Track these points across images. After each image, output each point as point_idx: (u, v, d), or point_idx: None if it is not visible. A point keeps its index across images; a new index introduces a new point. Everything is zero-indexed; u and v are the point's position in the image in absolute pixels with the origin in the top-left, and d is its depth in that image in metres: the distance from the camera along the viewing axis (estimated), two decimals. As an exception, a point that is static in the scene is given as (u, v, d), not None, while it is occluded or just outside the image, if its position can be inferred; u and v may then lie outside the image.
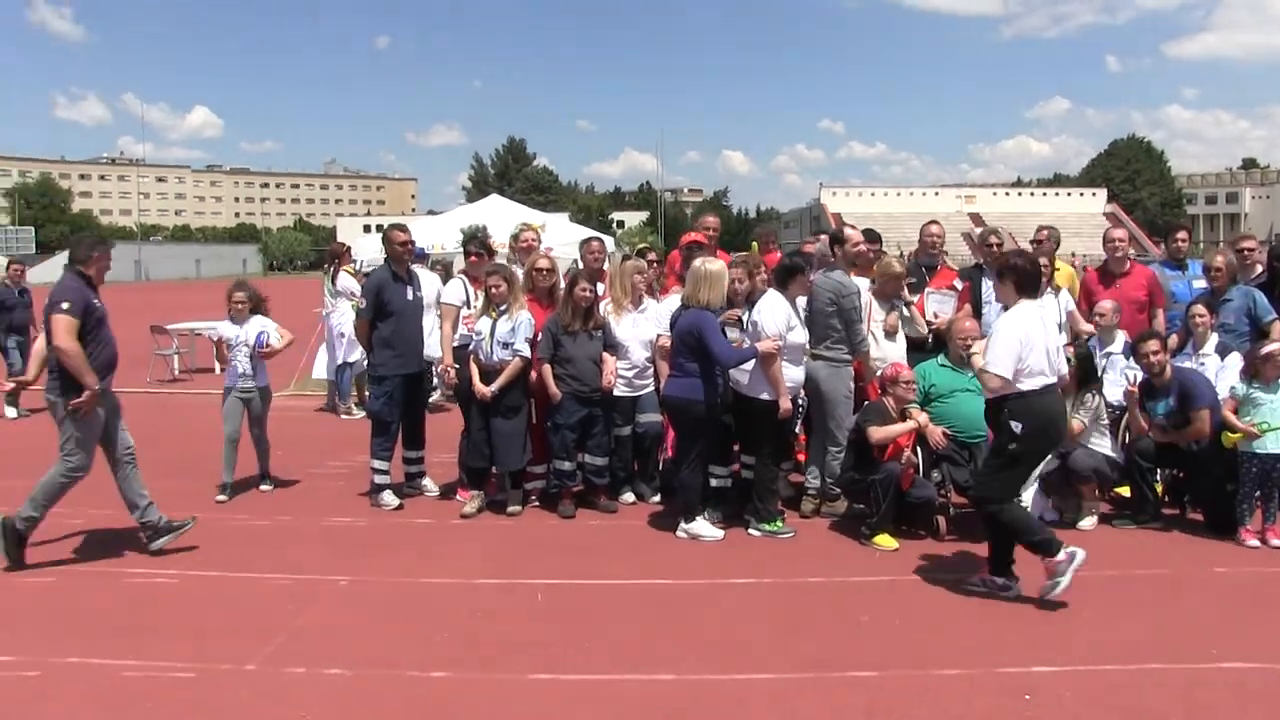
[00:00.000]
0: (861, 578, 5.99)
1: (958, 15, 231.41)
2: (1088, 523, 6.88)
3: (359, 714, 4.23)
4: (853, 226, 8.09)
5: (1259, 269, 8.39)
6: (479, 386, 7.08)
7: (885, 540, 6.52)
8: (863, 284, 7.49)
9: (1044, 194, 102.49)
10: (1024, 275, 5.56)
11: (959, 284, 8.24)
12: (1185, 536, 6.74)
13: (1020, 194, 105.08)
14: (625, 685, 4.52)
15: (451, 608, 5.50)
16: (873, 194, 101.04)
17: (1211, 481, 6.79)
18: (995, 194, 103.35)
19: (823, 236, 8.00)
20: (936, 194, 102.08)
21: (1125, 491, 7.22)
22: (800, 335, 6.75)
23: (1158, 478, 7.11)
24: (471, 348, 7.24)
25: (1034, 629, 5.14)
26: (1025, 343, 5.34)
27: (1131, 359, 7.25)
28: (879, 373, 7.12)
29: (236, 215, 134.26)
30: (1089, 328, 7.89)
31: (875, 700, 4.32)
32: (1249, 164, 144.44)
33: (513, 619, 5.36)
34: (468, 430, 7.46)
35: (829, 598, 5.68)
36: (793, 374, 6.76)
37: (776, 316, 6.65)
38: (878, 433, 6.55)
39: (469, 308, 7.55)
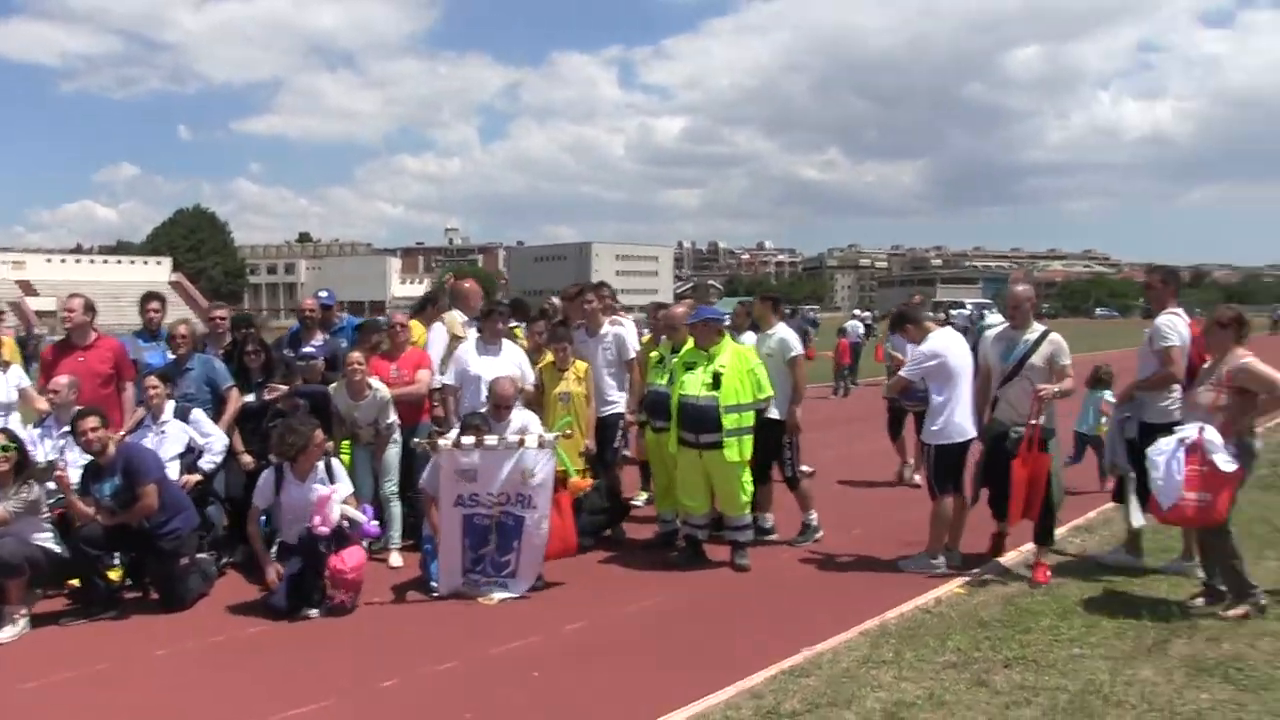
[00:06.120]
0: None
1: (12, 61, 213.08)
2: (8, 632, 6.03)
3: None
4: None
5: (229, 337, 8.62)
6: None
7: None
8: None
9: (105, 261, 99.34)
10: None
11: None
12: (139, 619, 6.47)
13: (79, 260, 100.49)
14: None
15: None
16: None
17: (161, 560, 6.57)
18: (50, 260, 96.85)
19: None
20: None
21: (77, 582, 6.64)
22: None
23: (116, 562, 6.65)
24: None
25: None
26: None
27: (71, 439, 6.71)
28: None
29: None
30: (45, 405, 7.24)
31: None
32: (304, 237, 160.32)
33: None
34: None
35: None
36: None
37: None
38: None
39: None
